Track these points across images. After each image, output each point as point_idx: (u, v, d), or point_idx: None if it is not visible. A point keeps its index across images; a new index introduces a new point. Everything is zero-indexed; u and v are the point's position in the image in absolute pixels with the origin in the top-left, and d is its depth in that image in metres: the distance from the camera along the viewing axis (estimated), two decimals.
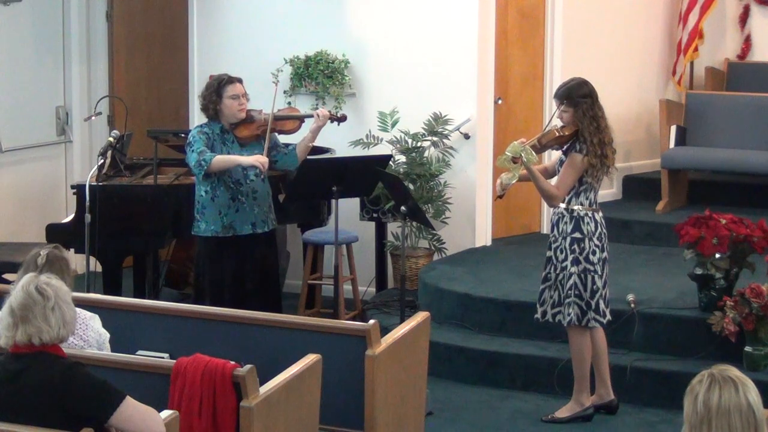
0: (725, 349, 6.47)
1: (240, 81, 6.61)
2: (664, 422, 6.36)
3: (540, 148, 6.18)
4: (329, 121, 6.84)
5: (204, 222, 6.55)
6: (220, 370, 4.43)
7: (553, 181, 6.32)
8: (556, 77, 8.46)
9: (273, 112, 6.62)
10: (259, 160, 6.41)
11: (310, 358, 4.75)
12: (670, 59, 9.79)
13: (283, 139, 6.88)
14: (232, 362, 4.47)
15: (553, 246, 6.23)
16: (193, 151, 6.47)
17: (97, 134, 9.24)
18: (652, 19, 9.66)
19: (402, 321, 6.16)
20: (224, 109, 6.52)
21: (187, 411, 4.42)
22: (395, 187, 6.86)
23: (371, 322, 5.13)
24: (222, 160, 6.42)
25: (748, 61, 10.18)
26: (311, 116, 6.81)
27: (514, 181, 6.15)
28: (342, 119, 7.02)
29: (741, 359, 6.39)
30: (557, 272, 6.21)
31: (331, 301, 7.72)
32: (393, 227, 8.28)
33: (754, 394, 3.23)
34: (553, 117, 6.36)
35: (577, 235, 6.15)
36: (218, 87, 6.53)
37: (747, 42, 10.19)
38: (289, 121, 6.73)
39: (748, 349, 6.46)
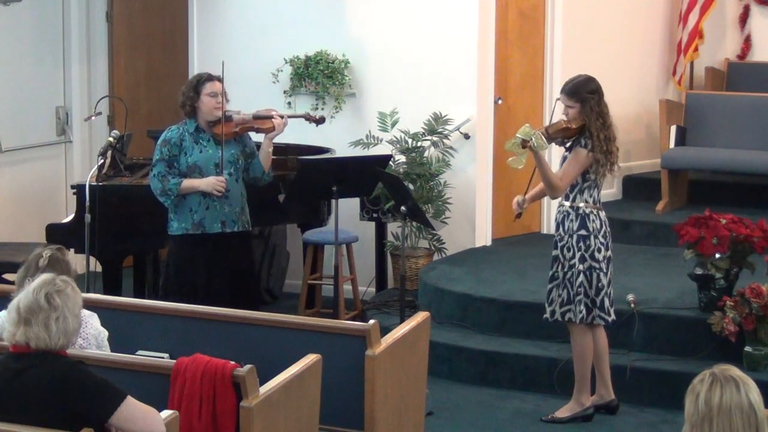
0: (725, 349, 6.47)
1: (220, 80, 6.50)
2: (665, 422, 6.36)
3: (547, 137, 6.15)
4: (308, 122, 6.91)
5: (176, 221, 6.48)
6: (220, 370, 4.42)
7: None
8: (556, 77, 8.47)
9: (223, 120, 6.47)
10: (216, 187, 6.37)
11: (310, 358, 4.75)
12: (670, 59, 9.79)
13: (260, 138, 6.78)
14: (232, 362, 4.46)
15: (560, 244, 6.22)
16: (154, 175, 6.45)
17: (97, 134, 9.24)
18: (652, 19, 9.67)
19: (402, 321, 6.15)
20: (201, 107, 6.44)
21: (187, 411, 4.41)
22: (395, 187, 6.86)
23: (371, 322, 5.12)
24: (184, 187, 6.40)
25: (748, 61, 10.19)
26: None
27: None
28: (320, 121, 7.02)
29: (741, 359, 6.39)
30: (565, 270, 6.20)
31: (331, 301, 7.72)
32: (393, 227, 8.28)
33: (755, 394, 3.23)
34: (554, 112, 6.35)
35: (583, 232, 6.15)
36: (197, 84, 6.47)
37: (747, 42, 10.19)
38: (268, 120, 6.65)
39: (748, 349, 6.46)
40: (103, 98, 8.89)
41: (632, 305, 6.84)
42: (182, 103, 6.52)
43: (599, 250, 6.17)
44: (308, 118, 7.00)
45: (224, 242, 6.46)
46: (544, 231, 8.72)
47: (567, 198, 6.21)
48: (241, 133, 6.54)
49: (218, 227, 6.44)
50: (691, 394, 3.26)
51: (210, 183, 6.39)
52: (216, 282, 6.43)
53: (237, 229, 6.49)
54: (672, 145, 8.95)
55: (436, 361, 6.71)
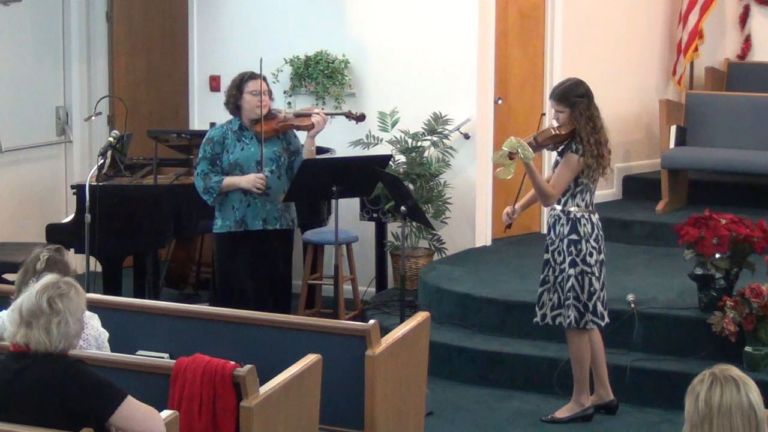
0: (725, 349, 6.46)
1: (264, 78, 6.62)
2: (664, 422, 6.36)
3: (536, 146, 6.16)
4: (348, 119, 7.07)
5: (220, 219, 6.61)
6: (220, 370, 4.43)
7: None
8: (556, 77, 8.44)
9: (262, 119, 6.57)
10: (255, 184, 6.46)
11: (310, 358, 4.75)
12: (670, 59, 9.79)
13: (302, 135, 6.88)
14: (232, 362, 4.47)
15: (551, 248, 6.22)
16: (197, 174, 6.57)
17: (97, 134, 9.24)
18: (652, 19, 9.66)
19: (402, 321, 6.15)
20: (244, 105, 6.56)
21: (187, 411, 4.42)
22: (395, 187, 6.86)
23: (371, 322, 5.13)
24: (225, 185, 6.51)
25: (748, 61, 10.18)
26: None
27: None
28: (360, 118, 7.15)
29: (741, 359, 6.39)
30: (556, 274, 6.20)
31: (331, 301, 7.72)
32: (393, 227, 8.28)
33: (755, 394, 3.23)
34: (547, 118, 6.34)
35: (574, 236, 6.14)
36: (240, 82, 6.59)
37: (747, 42, 10.19)
38: (307, 117, 6.74)
39: (748, 349, 6.46)
40: (103, 98, 8.89)
41: (632, 305, 6.84)
42: (226, 101, 6.66)
43: (591, 255, 6.15)
44: (349, 115, 7.16)
45: (266, 240, 6.56)
46: (544, 231, 8.69)
47: (559, 202, 6.20)
48: (282, 130, 6.64)
49: (260, 224, 6.55)
50: (691, 393, 3.26)
51: (250, 180, 6.48)
52: (256, 280, 6.50)
53: (279, 226, 6.60)
54: (672, 145, 8.95)
55: (436, 361, 6.71)
